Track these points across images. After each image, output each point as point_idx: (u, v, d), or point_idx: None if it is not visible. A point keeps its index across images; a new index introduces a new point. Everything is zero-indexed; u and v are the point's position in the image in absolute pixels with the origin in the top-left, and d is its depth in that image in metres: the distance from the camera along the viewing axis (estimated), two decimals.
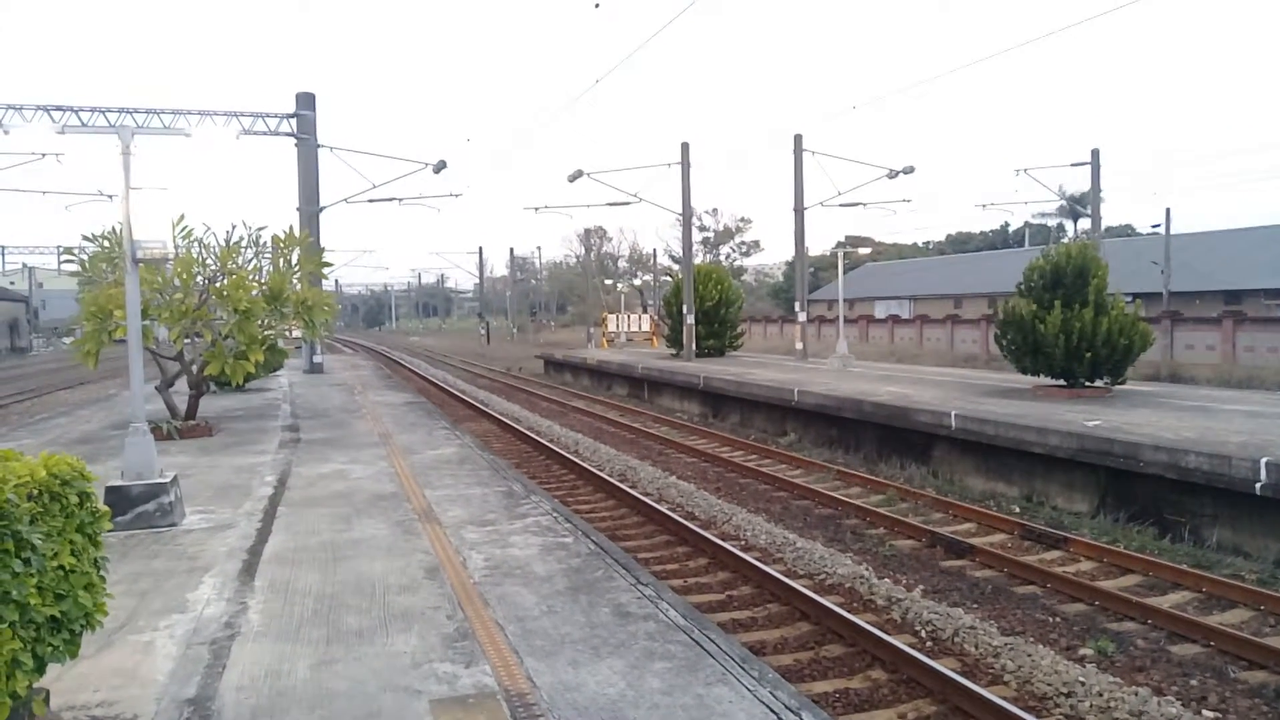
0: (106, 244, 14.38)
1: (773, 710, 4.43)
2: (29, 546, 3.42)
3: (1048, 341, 15.90)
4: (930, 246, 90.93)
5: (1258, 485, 9.81)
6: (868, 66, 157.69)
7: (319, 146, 27.88)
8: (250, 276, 14.42)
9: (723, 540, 10.33)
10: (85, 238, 14.67)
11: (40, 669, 3.60)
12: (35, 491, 3.63)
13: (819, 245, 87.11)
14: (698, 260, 53.39)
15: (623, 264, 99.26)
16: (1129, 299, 17.12)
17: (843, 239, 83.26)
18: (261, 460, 12.17)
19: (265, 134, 27.18)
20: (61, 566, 3.70)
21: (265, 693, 4.66)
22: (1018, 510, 12.31)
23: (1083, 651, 7.37)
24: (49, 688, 4.09)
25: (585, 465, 15.09)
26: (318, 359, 29.90)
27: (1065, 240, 42.59)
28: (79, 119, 24.57)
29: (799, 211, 30.87)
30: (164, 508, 8.36)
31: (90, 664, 4.97)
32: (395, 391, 23.88)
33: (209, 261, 14.35)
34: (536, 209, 39.10)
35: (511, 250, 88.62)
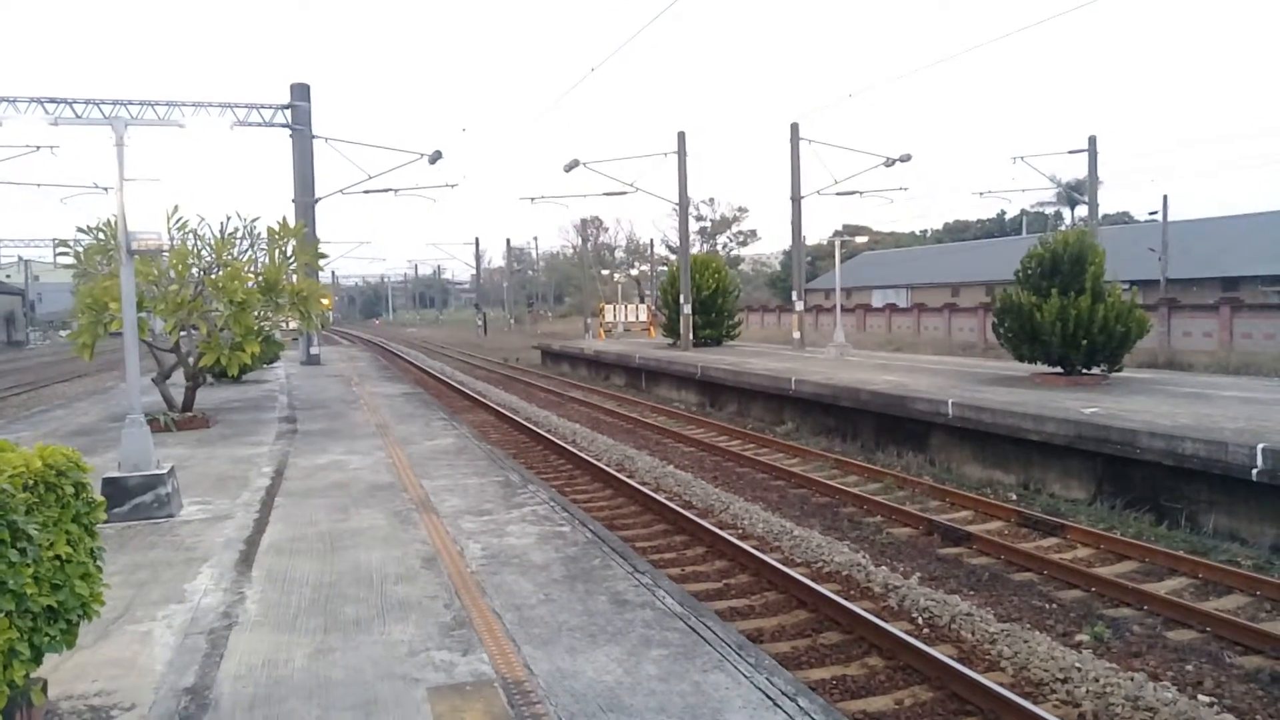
0: (101, 236, 14.31)
1: (769, 696, 4.44)
2: (25, 536, 3.42)
3: (1045, 329, 15.90)
4: (928, 235, 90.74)
5: (1254, 471, 9.84)
6: (864, 54, 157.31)
7: (314, 137, 27.81)
8: (245, 268, 14.39)
9: (720, 529, 10.35)
10: (80, 230, 14.60)
11: (37, 659, 3.60)
12: (31, 482, 3.63)
13: (816, 234, 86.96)
14: (695, 250, 53.31)
15: (620, 254, 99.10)
16: (1126, 286, 17.14)
17: (840, 228, 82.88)
18: (259, 451, 12.17)
19: (260, 125, 27.10)
20: (58, 556, 3.70)
21: (263, 681, 4.67)
22: (1015, 498, 12.35)
23: (1079, 637, 7.40)
24: (47, 677, 4.09)
25: (582, 455, 15.10)
26: (315, 351, 29.84)
27: (1063, 228, 42.57)
28: (73, 111, 24.45)
29: (796, 200, 30.82)
30: (161, 499, 8.37)
31: (88, 654, 4.98)
32: (392, 383, 23.87)
33: (204, 253, 14.32)
34: (533, 199, 38.79)
35: (508, 241, 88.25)
